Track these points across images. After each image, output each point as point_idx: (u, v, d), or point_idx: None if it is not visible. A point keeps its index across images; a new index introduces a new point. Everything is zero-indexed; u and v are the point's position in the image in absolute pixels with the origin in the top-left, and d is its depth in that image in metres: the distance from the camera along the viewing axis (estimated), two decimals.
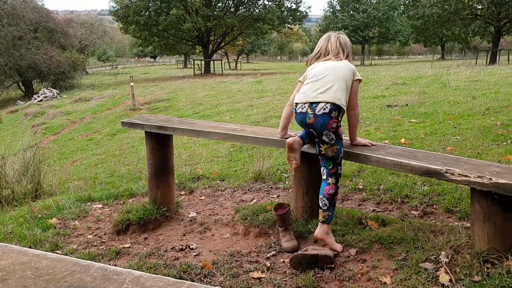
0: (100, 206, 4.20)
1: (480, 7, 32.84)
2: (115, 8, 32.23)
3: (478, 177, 2.26)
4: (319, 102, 2.73)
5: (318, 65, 2.93)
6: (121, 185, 5.02)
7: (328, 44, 2.99)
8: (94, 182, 5.76)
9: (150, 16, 30.86)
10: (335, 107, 2.72)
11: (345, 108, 2.79)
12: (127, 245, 3.31)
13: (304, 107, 2.78)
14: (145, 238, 3.45)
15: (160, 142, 3.64)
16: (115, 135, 11.30)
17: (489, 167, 2.42)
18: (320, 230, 2.79)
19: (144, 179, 4.67)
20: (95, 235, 3.54)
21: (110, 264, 2.99)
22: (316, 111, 2.72)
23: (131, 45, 64.39)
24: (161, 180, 3.69)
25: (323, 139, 2.75)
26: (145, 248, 3.25)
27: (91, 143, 11.02)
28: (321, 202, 2.80)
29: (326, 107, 2.71)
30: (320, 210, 2.81)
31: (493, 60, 29.23)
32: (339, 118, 2.78)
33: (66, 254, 3.07)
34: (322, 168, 2.86)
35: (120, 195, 4.46)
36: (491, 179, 2.22)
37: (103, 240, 3.45)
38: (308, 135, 2.90)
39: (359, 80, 2.89)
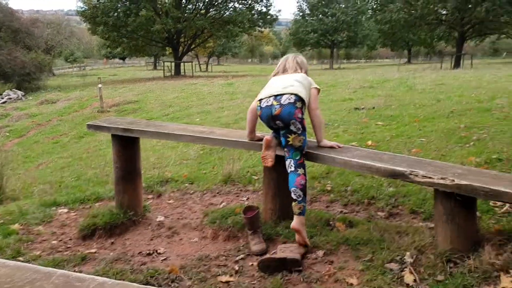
0: (66, 210, 4.10)
1: (444, 12, 33.80)
2: (83, 9, 31.56)
3: (441, 178, 2.31)
4: (284, 94, 2.84)
5: (277, 77, 3.09)
6: (88, 189, 4.92)
7: (286, 63, 3.17)
8: (59, 186, 5.63)
9: (119, 17, 30.38)
10: (299, 98, 2.84)
11: (307, 102, 2.89)
12: (93, 250, 3.24)
13: (269, 100, 2.87)
14: (112, 243, 3.39)
15: (126, 145, 3.58)
16: (82, 137, 11.07)
17: (452, 168, 2.48)
18: (297, 222, 2.79)
19: (112, 183, 4.58)
20: (60, 240, 3.45)
21: (75, 270, 2.92)
22: (282, 101, 2.82)
23: (99, 46, 63.18)
24: (128, 184, 3.63)
25: (290, 129, 2.81)
26: (111, 253, 3.19)
27: (57, 146, 10.76)
28: (295, 194, 2.81)
29: (291, 97, 2.82)
30: (294, 203, 2.82)
31: (457, 64, 30.13)
32: (303, 111, 2.87)
33: (28, 261, 2.98)
34: (288, 161, 2.89)
35: (87, 199, 4.37)
36: (453, 180, 2.27)
37: (68, 246, 3.36)
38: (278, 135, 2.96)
39: (317, 89, 3.04)
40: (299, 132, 2.83)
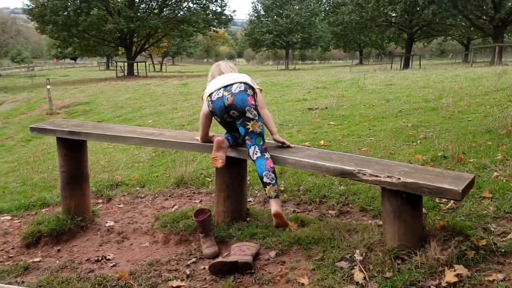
0: (9, 218, 3.92)
1: (394, 15, 34.90)
2: (30, 7, 30.34)
3: (388, 177, 2.35)
4: (233, 84, 2.86)
5: (219, 77, 3.04)
6: (34, 195, 4.73)
7: (220, 68, 3.14)
8: (3, 192, 5.39)
9: (69, 16, 29.39)
10: (249, 86, 2.88)
11: (256, 89, 2.95)
12: (37, 259, 3.11)
13: (219, 92, 2.86)
14: (58, 251, 3.26)
15: (73, 149, 3.46)
16: (29, 141, 10.63)
17: (398, 167, 2.54)
18: (276, 206, 2.76)
19: (59, 188, 4.42)
20: (1, 250, 3.29)
21: (17, 281, 2.78)
22: (233, 90, 2.83)
23: (49, 46, 61.03)
24: (75, 189, 3.51)
25: (247, 116, 2.81)
26: (57, 261, 3.06)
27: (3, 150, 10.27)
28: (268, 178, 2.78)
29: (241, 85, 2.85)
30: (269, 187, 2.78)
31: (406, 65, 31.16)
32: (255, 98, 2.89)
33: None
34: (252, 148, 2.84)
35: (32, 205, 4.20)
36: (399, 178, 2.32)
37: (10, 255, 3.21)
38: (231, 136, 2.97)
39: (260, 89, 3.06)
40: (256, 118, 2.83)
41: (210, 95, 2.90)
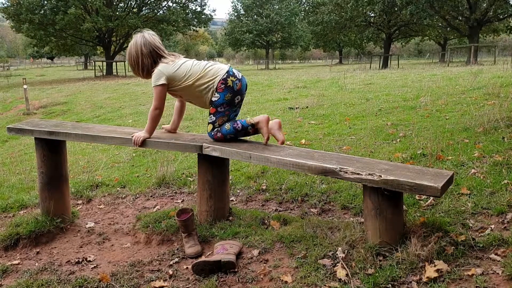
0: None
1: (372, 15, 35.31)
2: (5, 5, 29.73)
3: (369, 174, 2.38)
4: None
5: (183, 60, 3.05)
6: (11, 196, 4.62)
7: (159, 43, 3.06)
8: None
9: (46, 15, 28.93)
10: None
11: None
12: (16, 262, 3.05)
13: (238, 72, 3.02)
14: (37, 253, 3.20)
15: (51, 149, 3.40)
16: (6, 141, 10.42)
17: (379, 164, 2.57)
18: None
19: (37, 189, 4.34)
20: None
21: None
22: (241, 76, 3.01)
23: (25, 45, 59.87)
24: (54, 190, 3.45)
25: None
26: (36, 264, 3.01)
27: None
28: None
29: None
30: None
31: (385, 65, 31.57)
32: None
33: None
34: (235, 119, 3.07)
35: (9, 207, 4.11)
36: (380, 176, 2.35)
37: None
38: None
39: None
40: None
41: (228, 72, 2.94)
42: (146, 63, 2.96)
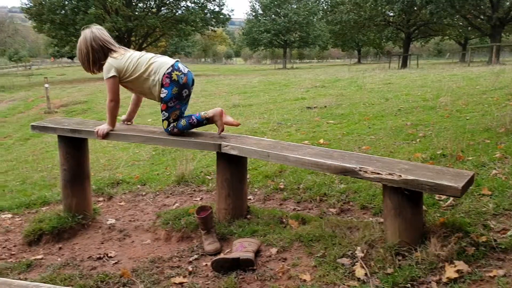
0: (10, 216, 3.92)
1: (392, 14, 34.97)
2: (28, 6, 30.30)
3: (389, 174, 2.38)
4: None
5: (131, 52, 3.12)
6: (34, 193, 4.73)
7: (108, 37, 3.12)
8: (3, 190, 5.37)
9: (67, 15, 29.38)
10: None
11: None
12: (40, 257, 3.11)
13: (184, 66, 3.09)
14: (60, 248, 3.26)
15: (74, 147, 3.47)
16: (28, 139, 10.61)
17: (399, 164, 2.56)
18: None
19: (59, 186, 4.42)
20: (4, 247, 3.29)
21: (19, 278, 2.79)
22: (186, 70, 3.07)
23: (46, 44, 60.87)
24: (76, 187, 3.51)
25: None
26: (59, 259, 3.07)
27: (1, 148, 10.25)
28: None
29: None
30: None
31: (404, 64, 31.23)
32: None
33: None
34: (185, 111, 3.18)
35: (33, 203, 4.20)
36: (400, 175, 2.34)
37: (13, 253, 3.21)
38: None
39: None
40: None
41: (173, 66, 3.00)
42: (97, 57, 3.04)
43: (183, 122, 3.09)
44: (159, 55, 3.14)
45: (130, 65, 3.02)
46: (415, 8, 32.05)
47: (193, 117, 3.10)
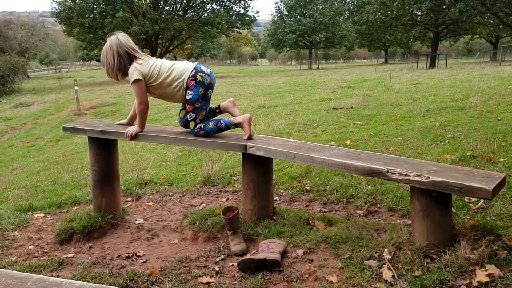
0: (42, 215, 4.03)
1: (419, 13, 34.40)
2: (58, 10, 31.10)
3: (417, 175, 2.35)
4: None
5: (154, 59, 3.21)
6: (65, 193, 4.85)
7: (133, 44, 3.22)
8: (35, 190, 5.53)
9: (95, 19, 30.02)
10: None
11: None
12: (71, 255, 3.20)
13: (207, 67, 3.17)
14: (90, 247, 3.34)
15: (104, 148, 3.54)
16: (58, 141, 10.88)
17: (427, 166, 2.52)
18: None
19: (89, 186, 4.52)
20: (36, 245, 3.39)
21: (52, 276, 2.87)
22: (209, 71, 3.17)
23: (75, 48, 62.25)
24: (106, 187, 3.59)
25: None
26: (89, 257, 3.15)
27: (33, 150, 10.54)
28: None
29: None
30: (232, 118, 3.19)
31: (432, 64, 30.67)
32: None
33: (4, 267, 2.92)
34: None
35: (64, 203, 4.31)
36: (429, 177, 2.31)
37: (45, 251, 3.30)
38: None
39: None
40: None
41: (195, 69, 3.09)
42: (123, 63, 3.11)
43: (211, 125, 3.14)
44: (181, 61, 3.24)
45: (154, 71, 3.11)
46: (444, 7, 31.45)
47: (221, 121, 3.15)
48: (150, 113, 12.10)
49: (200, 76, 3.07)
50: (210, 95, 3.17)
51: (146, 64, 3.12)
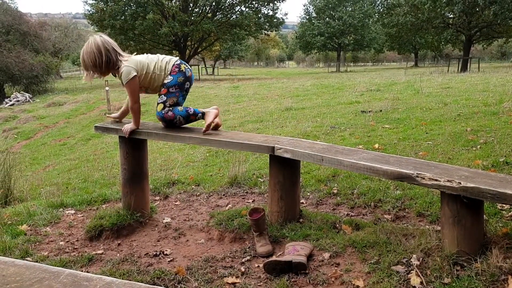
0: (73, 212, 4.13)
1: (451, 16, 33.70)
2: (90, 12, 31.84)
3: (448, 181, 2.31)
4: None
5: (135, 55, 3.30)
6: (95, 191, 4.95)
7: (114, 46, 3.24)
8: (66, 187, 5.66)
9: (126, 20, 30.56)
10: None
11: None
12: (100, 252, 3.26)
13: (186, 64, 3.31)
14: (119, 244, 3.40)
15: (134, 147, 3.60)
16: (89, 140, 11.13)
17: (458, 171, 2.48)
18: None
19: (118, 185, 4.61)
20: (67, 241, 3.47)
21: (81, 271, 2.93)
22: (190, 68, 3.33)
23: None
24: (135, 186, 3.65)
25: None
26: (118, 254, 3.21)
27: (65, 148, 10.82)
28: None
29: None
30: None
31: (464, 68, 29.99)
32: None
33: (36, 261, 3.00)
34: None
35: (94, 200, 4.39)
36: (460, 183, 2.27)
37: (75, 247, 3.38)
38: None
39: None
40: None
41: (178, 63, 3.24)
42: (110, 57, 3.15)
43: (180, 108, 3.27)
44: (164, 55, 3.38)
45: (141, 65, 3.21)
46: (477, 9, 30.71)
47: (191, 108, 3.31)
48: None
49: (184, 67, 3.27)
50: (187, 89, 3.31)
51: (131, 60, 3.21)
